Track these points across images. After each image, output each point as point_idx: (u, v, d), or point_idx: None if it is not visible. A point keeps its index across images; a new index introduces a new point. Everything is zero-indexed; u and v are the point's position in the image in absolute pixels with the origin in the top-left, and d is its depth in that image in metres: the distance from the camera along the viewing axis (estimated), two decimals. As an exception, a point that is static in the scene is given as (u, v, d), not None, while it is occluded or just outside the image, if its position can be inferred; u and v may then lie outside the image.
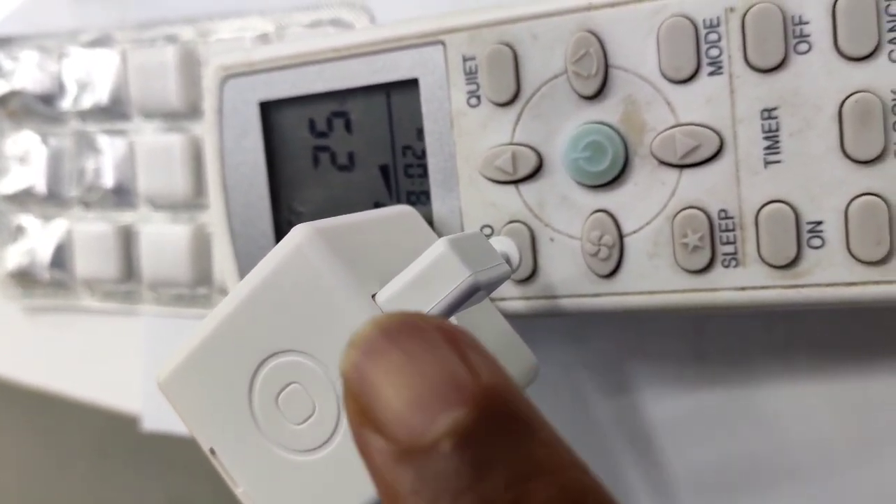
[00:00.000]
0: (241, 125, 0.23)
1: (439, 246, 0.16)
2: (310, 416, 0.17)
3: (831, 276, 0.19)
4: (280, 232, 0.23)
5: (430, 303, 0.16)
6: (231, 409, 0.17)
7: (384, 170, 0.22)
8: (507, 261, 0.20)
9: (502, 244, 0.20)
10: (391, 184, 0.22)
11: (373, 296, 0.17)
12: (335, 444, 0.17)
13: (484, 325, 0.20)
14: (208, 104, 0.24)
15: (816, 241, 0.19)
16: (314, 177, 0.23)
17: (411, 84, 0.22)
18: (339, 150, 0.23)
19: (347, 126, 0.23)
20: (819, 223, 0.19)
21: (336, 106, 0.23)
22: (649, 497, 0.24)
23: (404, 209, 0.21)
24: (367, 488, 0.16)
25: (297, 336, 0.17)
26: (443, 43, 0.21)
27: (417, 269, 0.16)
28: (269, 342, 0.17)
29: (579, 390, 0.25)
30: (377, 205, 0.23)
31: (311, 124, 0.23)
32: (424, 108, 0.21)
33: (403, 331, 0.13)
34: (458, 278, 0.16)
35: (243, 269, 0.24)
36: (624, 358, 0.24)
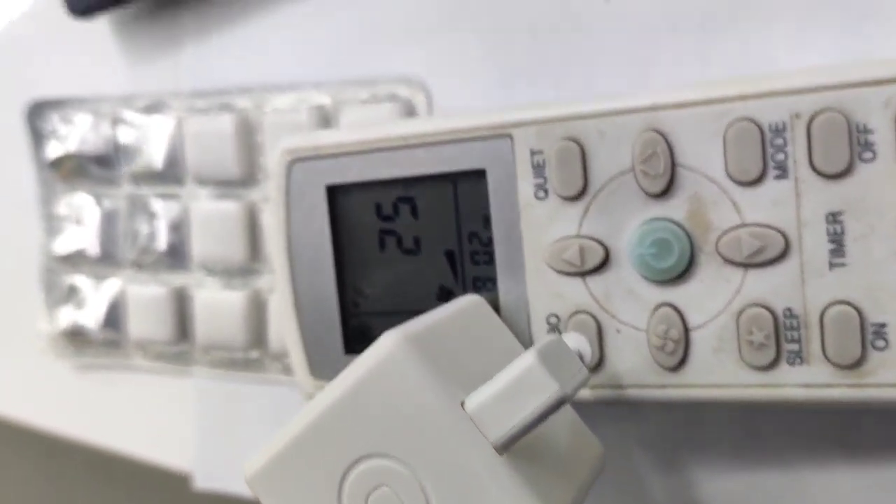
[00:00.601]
0: (308, 207, 0.24)
1: (528, 358, 0.17)
2: (398, 518, 0.18)
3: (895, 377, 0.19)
4: (346, 312, 0.24)
5: (517, 415, 0.17)
6: (319, 508, 0.18)
7: (450, 255, 0.23)
8: (581, 358, 0.21)
9: (576, 341, 0.21)
10: (457, 269, 0.23)
11: (462, 403, 0.17)
12: (422, 547, 0.17)
13: (553, 417, 0.20)
14: (275, 186, 0.24)
15: (881, 343, 0.19)
16: (380, 259, 0.24)
17: (478, 174, 0.22)
18: (404, 234, 0.23)
19: (413, 211, 0.23)
20: (883, 325, 0.19)
21: (402, 191, 0.23)
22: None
23: (474, 300, 0.22)
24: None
25: (388, 440, 0.17)
26: (511, 136, 0.22)
27: (506, 379, 0.17)
28: (360, 445, 0.18)
29: (634, 467, 0.25)
30: (442, 288, 0.23)
31: (378, 208, 0.24)
32: (492, 199, 0.22)
33: None
34: (546, 392, 0.17)
35: (308, 346, 0.24)
36: (678, 436, 0.25)
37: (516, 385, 0.17)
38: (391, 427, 0.17)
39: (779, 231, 0.20)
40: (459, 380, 0.18)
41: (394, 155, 0.23)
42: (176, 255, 0.31)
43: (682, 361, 0.21)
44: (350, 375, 0.18)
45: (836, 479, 0.23)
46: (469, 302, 0.21)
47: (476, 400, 0.17)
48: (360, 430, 0.18)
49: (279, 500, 0.19)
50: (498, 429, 0.17)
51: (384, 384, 0.17)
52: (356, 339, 0.24)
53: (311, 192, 0.24)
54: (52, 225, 0.34)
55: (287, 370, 0.30)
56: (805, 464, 0.24)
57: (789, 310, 0.20)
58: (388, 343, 0.17)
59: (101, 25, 0.32)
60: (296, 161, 0.24)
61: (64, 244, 0.33)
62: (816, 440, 0.23)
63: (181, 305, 0.31)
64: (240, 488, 0.31)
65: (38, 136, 0.34)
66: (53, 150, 0.33)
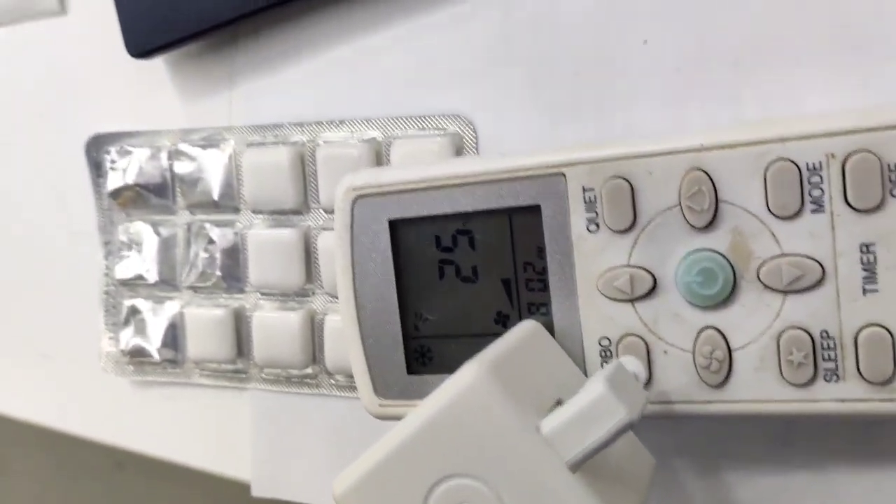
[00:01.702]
0: (371, 241, 0.26)
1: (598, 387, 0.19)
2: (480, 532, 0.19)
3: (923, 391, 0.21)
4: (408, 335, 0.26)
5: (589, 438, 0.19)
6: (405, 523, 0.20)
7: (506, 283, 0.25)
8: (636, 379, 0.22)
9: (632, 365, 0.23)
10: (512, 295, 0.25)
11: (537, 427, 0.19)
12: (504, 557, 0.19)
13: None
14: (339, 221, 0.26)
15: (911, 361, 0.21)
16: (440, 287, 0.26)
17: (533, 209, 0.24)
18: (463, 264, 0.25)
19: (471, 243, 0.25)
20: (913, 345, 0.21)
21: (460, 225, 0.25)
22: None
23: (532, 326, 0.23)
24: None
25: (470, 462, 0.19)
26: (564, 175, 0.24)
27: (579, 405, 0.19)
28: (444, 466, 0.19)
29: (674, 472, 0.27)
30: (499, 314, 0.25)
31: (437, 240, 0.25)
32: (546, 231, 0.24)
33: None
34: (615, 416, 0.18)
35: (373, 368, 0.26)
36: (715, 443, 0.27)
37: (588, 411, 0.19)
38: (473, 449, 0.19)
39: (816, 260, 0.22)
40: (532, 403, 0.20)
41: (453, 192, 0.25)
42: (232, 279, 0.33)
43: (726, 379, 0.23)
44: (435, 402, 0.20)
45: (863, 480, 0.25)
46: (528, 328, 0.23)
47: (551, 424, 0.19)
48: (444, 452, 0.19)
49: (367, 516, 0.20)
50: (572, 450, 0.19)
51: (467, 410, 0.19)
52: (418, 360, 0.26)
53: (374, 226, 0.26)
54: (111, 251, 0.35)
55: (340, 386, 0.32)
56: (834, 466, 0.25)
57: (826, 332, 0.22)
58: (470, 373, 0.19)
59: (157, 63, 0.34)
60: (359, 198, 0.26)
61: (124, 269, 0.35)
62: (844, 444, 0.25)
63: (238, 325, 0.33)
64: (293, 495, 0.33)
65: (97, 168, 0.36)
66: (112, 181, 0.35)
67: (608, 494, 0.19)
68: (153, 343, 0.35)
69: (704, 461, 0.27)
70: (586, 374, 0.24)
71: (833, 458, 0.26)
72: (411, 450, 0.20)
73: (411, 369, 0.26)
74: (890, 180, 0.21)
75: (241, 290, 0.33)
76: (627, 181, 0.23)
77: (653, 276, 0.23)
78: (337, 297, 0.29)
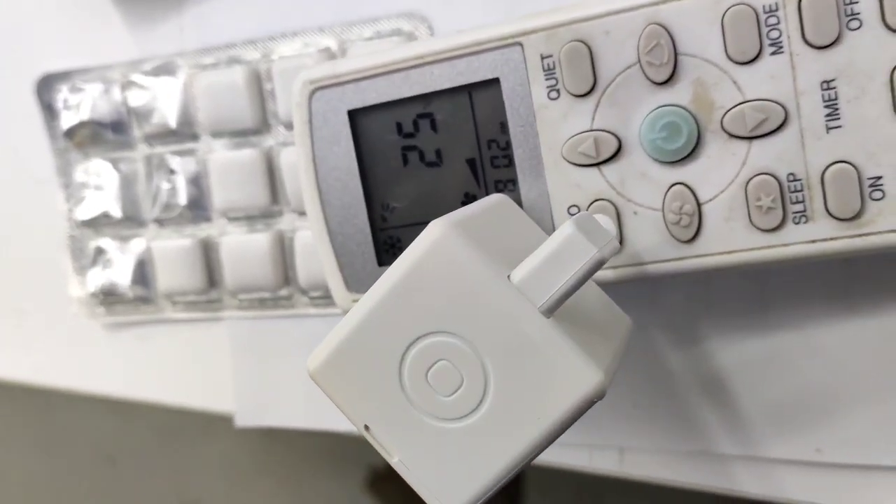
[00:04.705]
0: (332, 133, 0.25)
1: (567, 228, 0.18)
2: (458, 388, 0.19)
3: (892, 223, 0.21)
4: (375, 227, 0.26)
5: (561, 279, 0.18)
6: (383, 389, 0.20)
7: (471, 163, 0.25)
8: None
9: (602, 221, 0.22)
10: (479, 175, 0.24)
11: (507, 276, 0.19)
12: (484, 410, 0.19)
13: (585, 293, 0.22)
14: (297, 116, 0.26)
15: (877, 194, 0.21)
16: (405, 174, 0.25)
17: (492, 83, 0.24)
18: (426, 148, 0.25)
19: (433, 125, 0.25)
20: (879, 178, 0.21)
21: (421, 108, 0.25)
22: (727, 432, 0.27)
23: (500, 198, 0.23)
24: (513, 447, 0.19)
25: (443, 318, 0.19)
26: (521, 44, 0.23)
27: (548, 249, 0.18)
28: (417, 326, 0.19)
29: (655, 347, 0.27)
30: (467, 195, 0.25)
31: (399, 127, 0.25)
32: (507, 104, 0.24)
33: None
34: (586, 255, 0.18)
35: (343, 263, 0.26)
36: (694, 315, 0.27)
37: (558, 253, 0.18)
38: (444, 305, 0.19)
39: (778, 103, 0.21)
40: (501, 258, 0.19)
41: (409, 74, 0.24)
42: (198, 208, 0.33)
43: (697, 233, 0.22)
44: (402, 263, 0.19)
45: (843, 332, 0.25)
46: (495, 199, 0.23)
47: (521, 271, 0.19)
48: (415, 312, 0.19)
49: (343, 389, 0.20)
50: (544, 294, 0.19)
51: (435, 266, 0.19)
52: (388, 251, 0.26)
53: (333, 118, 0.25)
54: (72, 193, 0.35)
55: (316, 303, 0.32)
56: (813, 322, 0.26)
57: (792, 174, 0.22)
58: (435, 230, 0.19)
59: (102, -7, 0.33)
60: (316, 90, 0.25)
61: (86, 210, 0.34)
62: (821, 299, 0.25)
63: (207, 254, 0.33)
64: (280, 422, 0.33)
65: (49, 109, 0.35)
66: (66, 120, 0.34)
67: (583, 341, 0.19)
68: (123, 281, 0.34)
69: (684, 332, 0.27)
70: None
71: (810, 316, 0.26)
72: (382, 314, 0.19)
73: (382, 260, 0.26)
74: (846, 13, 0.21)
75: (208, 219, 0.33)
76: (585, 44, 0.23)
77: (617, 137, 0.23)
78: (305, 215, 0.28)
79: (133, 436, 0.85)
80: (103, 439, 0.87)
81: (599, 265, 0.18)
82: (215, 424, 0.33)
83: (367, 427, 0.20)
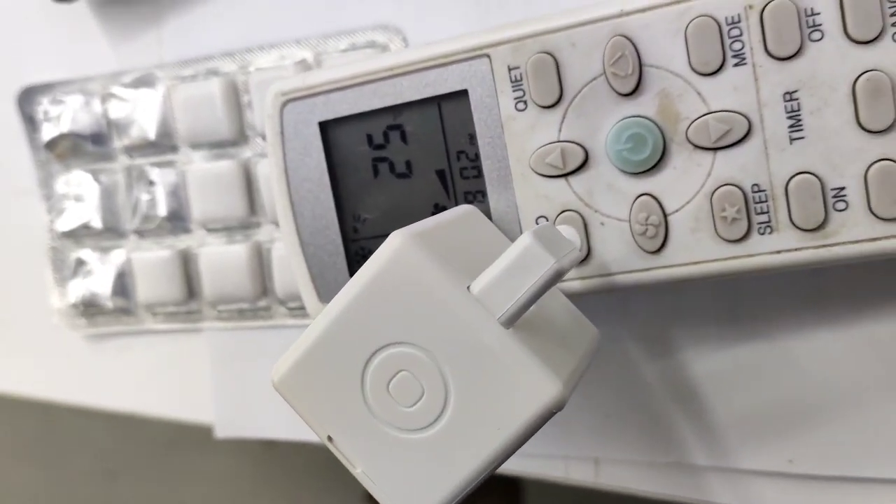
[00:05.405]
0: (303, 145, 0.26)
1: (525, 239, 0.18)
2: (419, 399, 0.19)
3: (856, 234, 0.21)
4: (347, 238, 0.26)
5: (520, 290, 0.18)
6: (345, 400, 0.20)
7: (441, 174, 0.25)
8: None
9: (565, 232, 0.22)
10: (448, 186, 0.25)
11: (467, 287, 0.19)
12: (445, 420, 0.19)
13: (550, 304, 0.22)
14: (269, 128, 0.26)
15: (841, 205, 0.21)
16: (375, 185, 0.25)
17: (461, 94, 0.24)
18: (396, 159, 0.25)
19: (403, 137, 0.25)
20: (842, 189, 0.21)
21: (391, 120, 0.25)
22: (700, 441, 0.27)
23: (467, 209, 0.23)
24: (475, 458, 0.19)
25: (403, 329, 0.19)
26: (488, 56, 0.23)
27: (507, 260, 0.18)
28: (378, 337, 0.19)
29: (628, 358, 0.27)
30: (436, 206, 0.25)
31: (369, 138, 0.25)
32: (475, 116, 0.24)
33: None
34: (544, 266, 0.18)
35: (315, 275, 0.26)
36: (666, 327, 0.27)
37: (516, 264, 0.18)
38: (405, 316, 0.19)
39: (742, 114, 0.21)
40: (463, 269, 0.19)
41: (380, 86, 0.25)
42: (177, 219, 0.33)
43: (664, 244, 0.22)
44: (363, 274, 0.19)
45: (815, 341, 0.25)
46: (462, 210, 0.23)
47: (481, 282, 0.19)
48: (376, 323, 0.19)
49: (306, 400, 0.20)
50: (502, 304, 0.19)
51: (395, 277, 0.19)
52: (359, 262, 0.26)
53: (304, 130, 0.25)
54: (53, 204, 0.35)
55: (294, 314, 0.32)
56: (785, 332, 0.26)
57: (757, 185, 0.22)
58: (395, 241, 0.19)
59: (81, 7, 0.33)
60: (288, 102, 0.25)
61: (67, 221, 0.34)
62: (793, 309, 0.25)
63: (186, 266, 0.33)
64: (260, 433, 0.33)
65: (30, 121, 0.35)
66: (47, 132, 0.34)
67: (543, 352, 0.19)
68: (103, 292, 0.34)
69: (657, 345, 0.27)
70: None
71: (782, 327, 0.26)
72: (343, 325, 0.19)
73: (353, 271, 0.25)
74: (807, 25, 0.21)
75: (187, 230, 0.33)
76: (551, 55, 0.23)
77: (584, 148, 0.23)
78: (282, 225, 0.28)
79: (131, 449, 0.85)
80: (100, 453, 0.87)
81: (559, 276, 0.18)
82: (214, 437, 0.33)
83: (330, 438, 0.20)
